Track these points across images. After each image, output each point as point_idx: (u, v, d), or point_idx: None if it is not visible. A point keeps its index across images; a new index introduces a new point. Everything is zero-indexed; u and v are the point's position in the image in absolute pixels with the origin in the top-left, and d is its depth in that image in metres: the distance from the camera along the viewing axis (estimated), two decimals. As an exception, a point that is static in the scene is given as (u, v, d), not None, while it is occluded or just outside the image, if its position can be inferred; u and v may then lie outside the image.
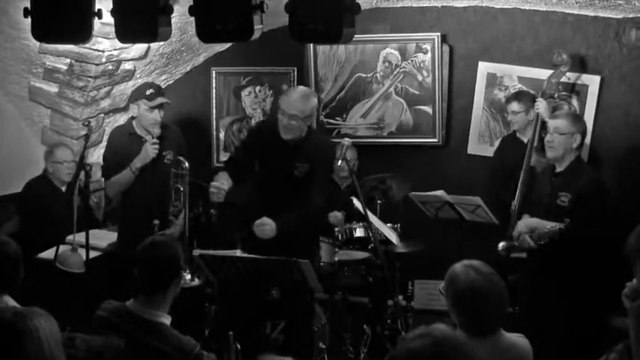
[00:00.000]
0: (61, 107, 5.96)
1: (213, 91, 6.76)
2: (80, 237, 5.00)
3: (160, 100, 5.28)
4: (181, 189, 5.17)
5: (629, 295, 3.22)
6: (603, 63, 5.87)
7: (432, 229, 5.80)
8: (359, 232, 5.44)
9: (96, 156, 6.15)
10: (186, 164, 5.16)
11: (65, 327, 2.70)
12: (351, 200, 5.12)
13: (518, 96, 5.69)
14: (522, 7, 5.97)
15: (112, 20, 3.64)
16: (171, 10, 3.59)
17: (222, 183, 4.87)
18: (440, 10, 6.20)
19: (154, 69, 6.23)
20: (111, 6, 3.61)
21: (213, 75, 6.74)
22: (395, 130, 6.42)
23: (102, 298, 3.41)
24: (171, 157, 5.33)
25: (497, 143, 6.02)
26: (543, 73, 5.79)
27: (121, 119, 6.28)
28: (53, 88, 5.84)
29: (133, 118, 5.47)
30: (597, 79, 5.85)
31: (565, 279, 4.71)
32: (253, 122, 6.60)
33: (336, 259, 5.35)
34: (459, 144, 6.34)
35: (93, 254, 5.07)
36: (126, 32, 3.64)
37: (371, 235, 4.90)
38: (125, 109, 6.27)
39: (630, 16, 5.68)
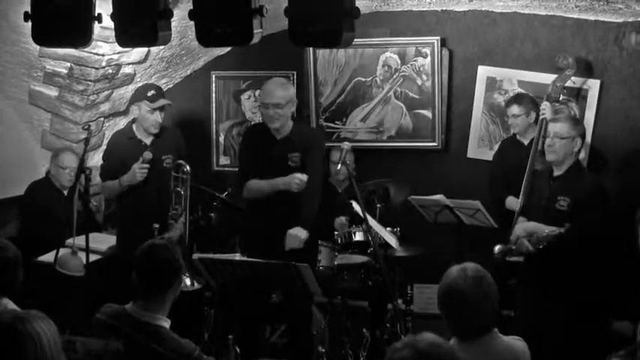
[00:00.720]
0: (60, 111, 5.96)
1: (213, 94, 6.77)
2: (80, 240, 5.00)
3: (161, 101, 5.29)
4: (182, 192, 5.17)
5: None
6: (603, 67, 5.87)
7: (431, 233, 5.80)
8: (358, 236, 5.44)
9: (96, 159, 6.14)
10: (188, 168, 5.16)
11: (64, 330, 2.70)
12: (351, 204, 5.13)
13: (518, 99, 5.69)
14: (522, 12, 5.97)
15: (111, 24, 3.64)
16: (171, 14, 3.59)
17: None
18: (439, 14, 6.20)
19: (153, 73, 6.24)
20: (111, 10, 3.62)
21: (213, 79, 6.75)
22: (394, 134, 6.42)
23: (101, 302, 3.41)
24: (171, 161, 5.33)
25: (496, 147, 6.02)
26: (543, 77, 5.80)
27: (121, 123, 6.28)
28: (53, 92, 5.85)
29: (132, 122, 5.46)
30: (597, 83, 5.86)
31: (564, 283, 4.71)
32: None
33: (336, 263, 5.35)
34: (458, 148, 6.34)
35: (93, 257, 5.06)
36: (126, 36, 3.65)
37: (370, 239, 4.90)
38: (125, 112, 6.27)
39: (630, 20, 5.69)
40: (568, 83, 5.63)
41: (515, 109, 5.63)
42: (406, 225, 5.62)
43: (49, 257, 5.14)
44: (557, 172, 4.82)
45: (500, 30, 6.11)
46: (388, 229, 5.39)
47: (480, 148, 6.26)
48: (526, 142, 5.57)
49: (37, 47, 5.16)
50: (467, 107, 6.26)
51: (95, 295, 4.37)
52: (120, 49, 5.31)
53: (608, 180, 5.62)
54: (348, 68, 6.42)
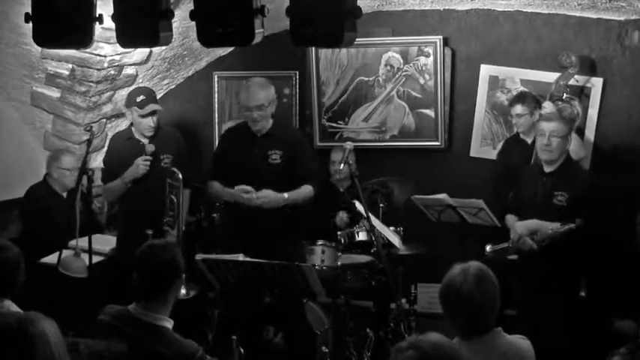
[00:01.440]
0: (63, 112, 5.96)
1: (215, 95, 6.76)
2: (83, 242, 5.00)
3: (150, 107, 5.22)
4: (175, 200, 5.14)
5: None
6: (606, 65, 5.86)
7: (434, 233, 5.79)
8: (361, 236, 5.44)
9: (98, 161, 6.14)
10: (180, 175, 5.11)
11: (68, 331, 2.70)
12: (354, 204, 5.12)
13: (521, 98, 5.68)
14: (524, 10, 5.97)
15: (113, 25, 3.64)
16: (172, 15, 3.59)
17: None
18: (442, 14, 6.20)
19: (155, 73, 6.24)
20: (112, 11, 3.62)
21: (215, 79, 6.75)
22: (397, 134, 6.42)
23: (104, 303, 3.41)
24: (169, 161, 5.31)
25: (499, 146, 6.01)
26: (546, 76, 5.80)
27: (123, 124, 6.28)
28: (55, 93, 5.85)
29: (132, 124, 5.45)
30: (600, 81, 5.85)
31: (564, 280, 4.71)
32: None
33: (339, 262, 5.35)
34: (461, 147, 6.33)
35: (96, 259, 5.06)
36: (127, 37, 3.65)
37: (373, 238, 4.89)
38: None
39: (632, 18, 5.67)
40: (571, 82, 5.61)
41: (518, 108, 5.62)
42: (409, 224, 5.62)
43: (52, 259, 5.14)
44: (549, 169, 4.84)
45: (502, 29, 6.10)
46: (391, 228, 5.39)
47: (483, 147, 6.25)
48: (529, 141, 5.56)
49: (39, 49, 5.16)
50: (469, 106, 6.25)
51: (98, 297, 4.37)
52: (122, 50, 5.31)
53: (611, 178, 5.62)
54: (350, 68, 6.42)
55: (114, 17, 3.62)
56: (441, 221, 5.68)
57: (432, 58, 6.19)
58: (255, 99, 4.99)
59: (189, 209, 5.64)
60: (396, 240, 5.30)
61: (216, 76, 6.74)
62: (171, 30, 3.62)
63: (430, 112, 6.29)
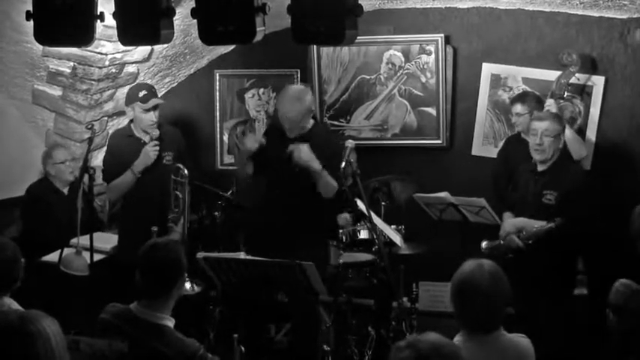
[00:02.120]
0: (64, 110, 5.97)
1: (217, 93, 6.75)
2: (84, 240, 5.00)
3: (153, 101, 5.24)
4: (180, 196, 5.14)
5: None
6: (608, 63, 5.85)
7: (436, 231, 5.79)
8: (363, 234, 5.45)
9: (99, 159, 6.14)
10: (186, 171, 5.12)
11: (69, 330, 2.70)
12: (355, 202, 5.12)
13: (522, 97, 5.67)
14: (526, 8, 5.96)
15: (114, 23, 3.64)
16: (174, 13, 3.59)
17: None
18: (443, 12, 6.19)
19: (157, 72, 6.23)
20: (113, 9, 3.62)
21: (217, 77, 6.74)
22: (399, 132, 6.41)
23: (106, 301, 3.41)
24: (171, 158, 5.31)
25: (501, 144, 6.00)
26: (548, 74, 5.78)
27: (124, 122, 6.25)
28: (57, 92, 5.85)
29: (131, 121, 5.45)
30: (602, 79, 5.84)
31: (555, 278, 4.72)
32: (256, 124, 6.61)
33: (341, 261, 5.35)
34: (463, 145, 6.32)
35: (97, 257, 5.06)
36: (128, 35, 3.65)
37: (375, 237, 4.89)
38: (129, 111, 6.28)
39: (635, 16, 5.66)
40: (573, 80, 5.60)
41: (519, 107, 5.61)
42: (411, 223, 5.62)
43: (53, 257, 5.15)
44: (541, 168, 4.85)
45: (504, 27, 6.09)
46: (393, 226, 5.39)
47: (485, 146, 6.25)
48: (531, 140, 5.56)
49: (41, 47, 5.16)
50: (471, 104, 6.24)
51: (100, 295, 4.37)
52: (123, 48, 5.31)
53: (612, 177, 5.61)
54: (351, 66, 6.41)
55: (115, 15, 3.62)
56: (443, 220, 5.68)
57: (433, 56, 6.18)
58: (288, 110, 4.93)
59: (191, 207, 5.64)
60: (397, 238, 5.30)
61: (217, 74, 6.73)
62: (172, 28, 3.63)
63: (432, 111, 6.28)
